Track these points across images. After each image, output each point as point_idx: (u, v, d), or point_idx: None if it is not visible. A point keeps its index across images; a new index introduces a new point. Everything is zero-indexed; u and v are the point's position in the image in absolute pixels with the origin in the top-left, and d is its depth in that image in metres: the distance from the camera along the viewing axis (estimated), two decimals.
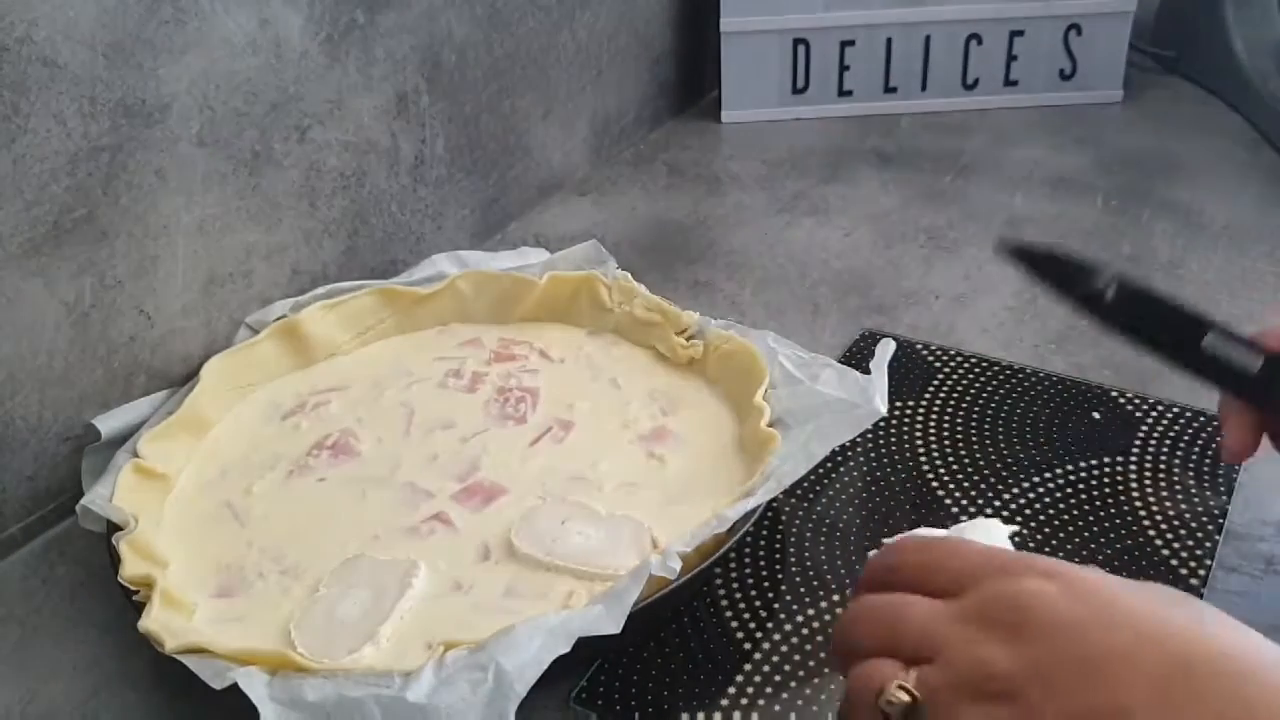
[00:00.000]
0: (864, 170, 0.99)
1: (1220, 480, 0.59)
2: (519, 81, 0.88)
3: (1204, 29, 1.11)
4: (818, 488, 0.60)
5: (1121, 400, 0.66)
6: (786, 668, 0.49)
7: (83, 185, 0.58)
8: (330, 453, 0.61)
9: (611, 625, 0.44)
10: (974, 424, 0.64)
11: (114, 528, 0.53)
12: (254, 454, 0.61)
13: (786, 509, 0.58)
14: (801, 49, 1.06)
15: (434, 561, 0.53)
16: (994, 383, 0.68)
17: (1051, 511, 0.58)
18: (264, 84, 0.67)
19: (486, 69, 0.84)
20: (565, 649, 0.43)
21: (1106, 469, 0.60)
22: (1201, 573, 0.53)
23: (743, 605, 0.53)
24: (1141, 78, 1.13)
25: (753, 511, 0.51)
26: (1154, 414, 0.64)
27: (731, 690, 0.49)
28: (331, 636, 0.48)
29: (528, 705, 0.42)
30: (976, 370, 0.69)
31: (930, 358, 0.71)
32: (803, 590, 0.54)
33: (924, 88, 1.09)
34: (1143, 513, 0.57)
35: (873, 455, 0.62)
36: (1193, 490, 0.59)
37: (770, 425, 0.57)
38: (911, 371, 0.69)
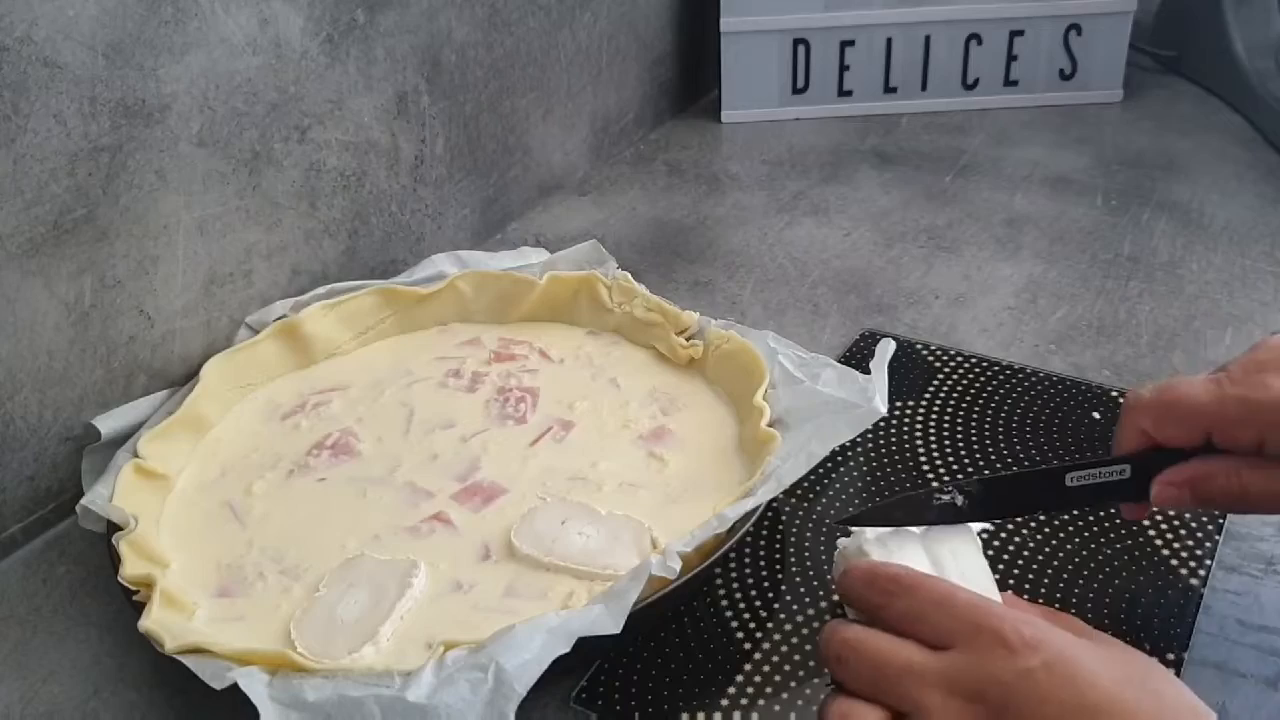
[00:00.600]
0: (864, 170, 0.99)
1: None
2: (519, 81, 0.88)
3: (1204, 29, 1.11)
4: (818, 488, 0.60)
5: (1121, 400, 0.66)
6: (786, 668, 0.49)
7: (83, 185, 0.58)
8: (330, 452, 0.61)
9: (611, 625, 0.44)
10: (974, 424, 0.64)
11: (114, 528, 0.53)
12: (254, 454, 0.61)
13: (786, 509, 0.58)
14: (801, 49, 1.06)
15: (434, 561, 0.53)
16: (994, 383, 0.68)
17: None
18: (264, 84, 0.67)
19: (486, 69, 0.84)
20: (565, 649, 0.43)
21: None
22: (1201, 573, 0.53)
23: (743, 605, 0.53)
24: (1141, 78, 1.13)
25: (753, 511, 0.51)
26: None
27: (731, 690, 0.49)
28: (331, 636, 0.48)
29: (528, 705, 0.42)
30: (976, 370, 0.69)
31: (930, 358, 0.71)
32: (803, 590, 0.54)
33: (924, 88, 1.09)
34: None
35: (873, 455, 0.62)
36: None
37: (770, 425, 0.57)
38: (911, 371, 0.69)
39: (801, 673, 0.49)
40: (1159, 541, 0.55)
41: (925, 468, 0.61)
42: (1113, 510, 0.57)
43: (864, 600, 0.41)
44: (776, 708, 0.48)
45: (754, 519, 0.52)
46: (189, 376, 0.65)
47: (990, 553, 0.54)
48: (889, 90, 1.09)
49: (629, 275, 0.71)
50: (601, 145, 1.01)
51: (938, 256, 0.84)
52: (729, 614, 0.52)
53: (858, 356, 0.71)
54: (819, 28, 1.06)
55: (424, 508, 0.56)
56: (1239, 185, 0.93)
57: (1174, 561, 0.54)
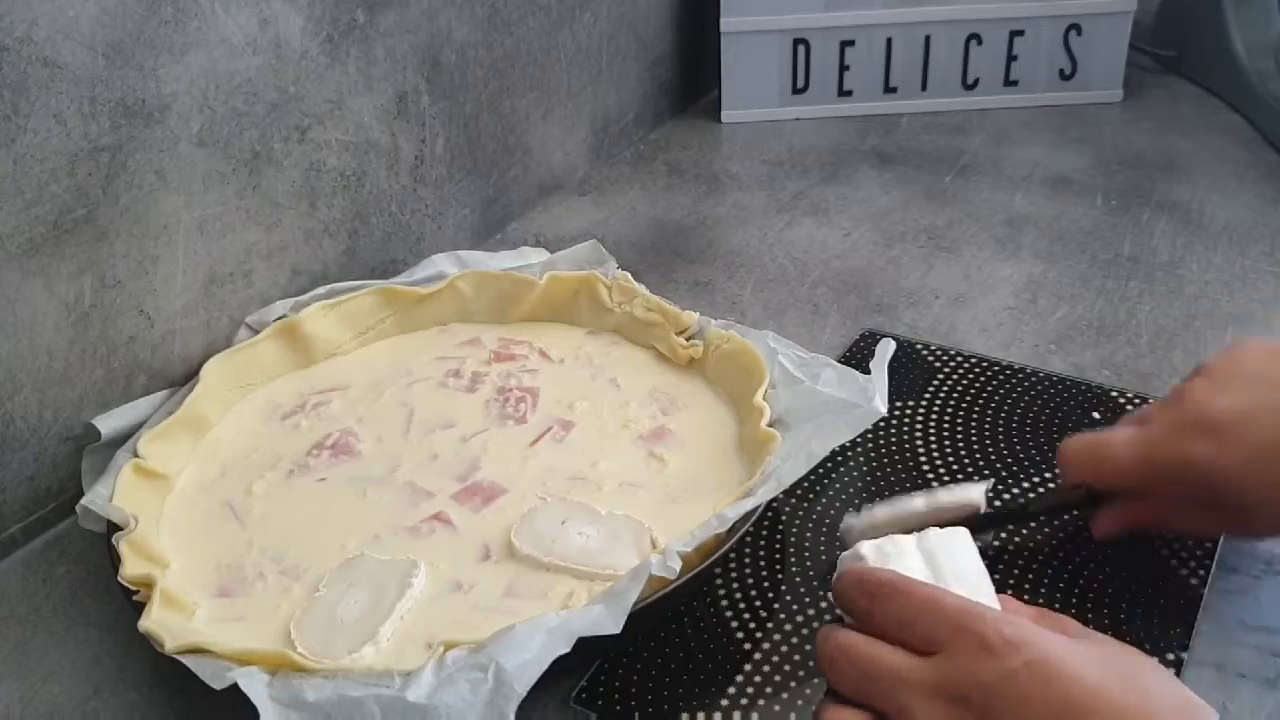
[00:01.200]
0: (864, 170, 0.99)
1: None
2: (519, 81, 0.88)
3: (1204, 29, 1.11)
4: (818, 488, 0.60)
5: (1121, 400, 0.66)
6: (786, 668, 0.49)
7: (83, 185, 0.58)
8: (330, 452, 0.61)
9: (611, 625, 0.44)
10: (974, 424, 0.64)
11: (114, 528, 0.53)
12: (254, 454, 0.61)
13: (786, 509, 0.58)
14: (801, 49, 1.06)
15: (434, 561, 0.53)
16: (994, 383, 0.68)
17: None
18: (264, 84, 0.67)
19: (486, 69, 0.84)
20: (565, 649, 0.43)
21: None
22: (1201, 573, 0.53)
23: (743, 605, 0.53)
24: (1141, 78, 1.13)
25: (753, 511, 0.51)
26: None
27: (731, 690, 0.48)
28: (331, 636, 0.48)
29: (528, 705, 0.42)
30: (976, 370, 0.69)
31: (930, 358, 0.71)
32: (803, 590, 0.54)
33: (924, 88, 1.09)
34: None
35: (873, 455, 0.62)
36: None
37: (770, 425, 0.57)
38: (911, 371, 0.69)
39: (801, 673, 0.49)
40: (1159, 541, 0.55)
41: (925, 468, 0.61)
42: None
43: (855, 605, 0.41)
44: (776, 708, 0.48)
45: (754, 519, 0.52)
46: (189, 376, 0.65)
47: (990, 554, 0.54)
48: (889, 90, 1.09)
49: (629, 275, 0.71)
50: (601, 145, 1.01)
51: (938, 256, 0.84)
52: (729, 614, 0.52)
53: (858, 356, 0.71)
54: (819, 28, 1.06)
55: (424, 508, 0.56)
56: (1239, 185, 0.93)
57: (1174, 561, 0.54)
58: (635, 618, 0.45)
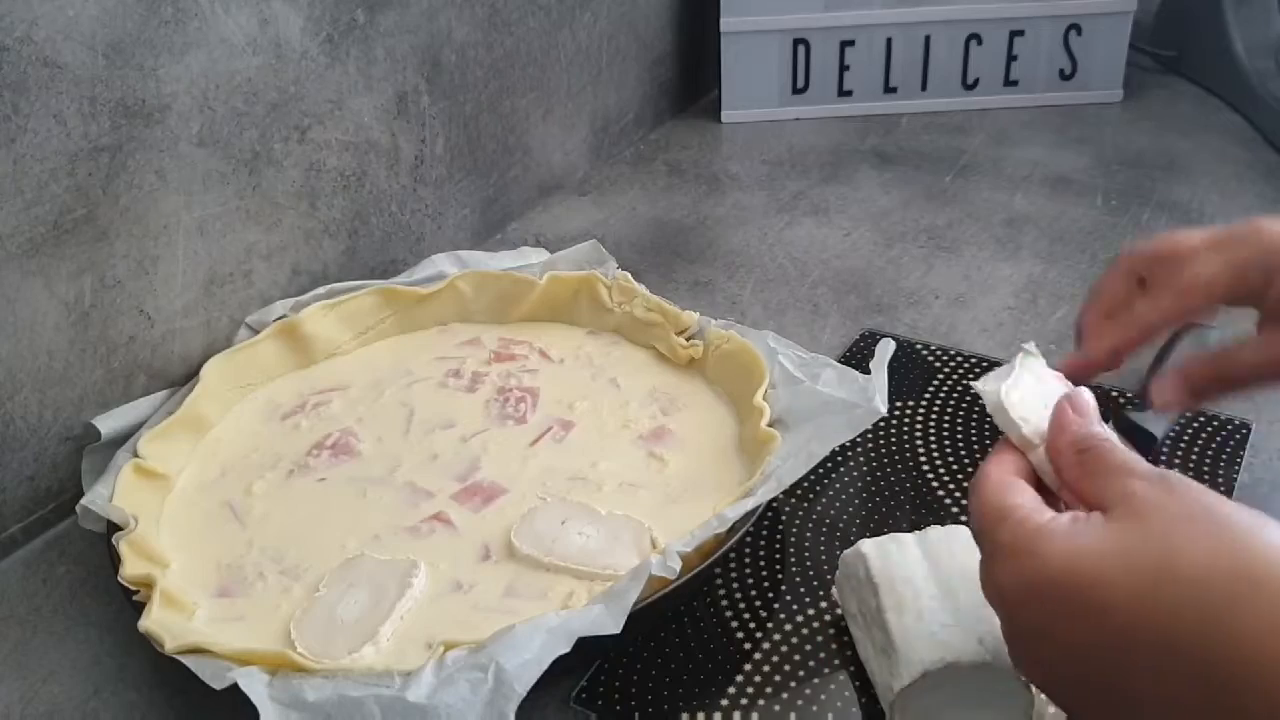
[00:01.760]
0: (864, 170, 0.99)
1: (1220, 480, 0.59)
2: (519, 81, 0.88)
3: (1204, 29, 1.12)
4: (818, 488, 0.60)
5: (1122, 400, 0.66)
6: (786, 668, 0.49)
7: (83, 185, 0.58)
8: (330, 452, 0.61)
9: (611, 625, 0.44)
10: (974, 424, 0.64)
11: (114, 528, 0.53)
12: (254, 454, 0.61)
13: (786, 509, 0.58)
14: (801, 49, 1.06)
15: (434, 561, 0.53)
16: None
17: None
18: (264, 84, 0.67)
19: (486, 69, 0.84)
20: (565, 649, 0.43)
21: None
22: None
23: (743, 605, 0.53)
24: (1141, 78, 1.13)
25: (753, 511, 0.51)
26: None
27: (731, 690, 0.48)
28: (331, 636, 0.48)
29: (528, 705, 0.42)
30: (976, 370, 0.69)
31: (930, 358, 0.71)
32: (803, 590, 0.54)
33: (924, 88, 1.09)
34: None
35: (873, 455, 0.62)
36: None
37: (770, 425, 0.57)
38: (911, 371, 0.69)
39: (801, 673, 0.49)
40: None
41: (925, 468, 0.61)
42: None
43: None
44: (776, 708, 0.48)
45: (754, 519, 0.52)
46: (189, 376, 0.65)
47: None
48: (889, 90, 1.09)
49: (629, 275, 0.71)
50: (601, 145, 1.01)
51: (938, 256, 0.84)
52: (729, 614, 0.52)
53: (858, 356, 0.71)
54: (819, 28, 1.06)
55: (424, 508, 0.56)
56: (1239, 185, 0.93)
57: None
58: (635, 618, 0.45)
